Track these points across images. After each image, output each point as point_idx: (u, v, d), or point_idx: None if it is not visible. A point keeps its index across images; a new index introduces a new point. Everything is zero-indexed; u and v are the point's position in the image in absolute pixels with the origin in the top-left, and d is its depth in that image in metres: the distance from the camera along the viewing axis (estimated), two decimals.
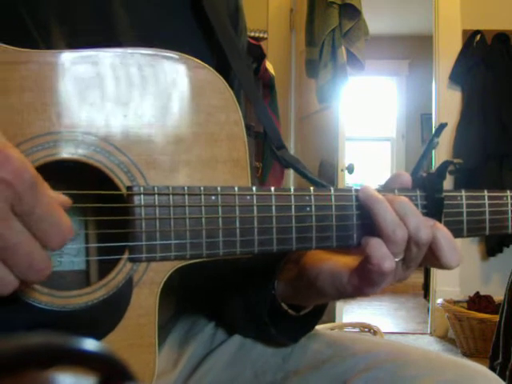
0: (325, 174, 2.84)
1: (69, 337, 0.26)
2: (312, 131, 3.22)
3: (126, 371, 0.28)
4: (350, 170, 2.79)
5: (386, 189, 0.56)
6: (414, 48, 5.57)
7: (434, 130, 3.35)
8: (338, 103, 2.80)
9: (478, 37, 3.24)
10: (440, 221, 0.55)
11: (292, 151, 3.33)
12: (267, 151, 3.01)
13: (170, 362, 0.68)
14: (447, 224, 0.57)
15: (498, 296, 2.71)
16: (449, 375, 0.57)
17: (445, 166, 0.55)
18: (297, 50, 3.41)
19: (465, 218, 0.59)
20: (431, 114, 3.44)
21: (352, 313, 3.91)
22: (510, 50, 3.22)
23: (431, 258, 0.53)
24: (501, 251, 3.25)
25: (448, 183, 2.92)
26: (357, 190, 0.54)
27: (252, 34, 2.77)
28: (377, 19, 4.33)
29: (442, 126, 0.57)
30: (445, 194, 0.56)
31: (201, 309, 0.75)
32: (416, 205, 0.55)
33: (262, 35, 2.88)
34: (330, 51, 2.75)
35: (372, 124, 5.93)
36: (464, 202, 0.59)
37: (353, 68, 2.79)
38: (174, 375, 0.66)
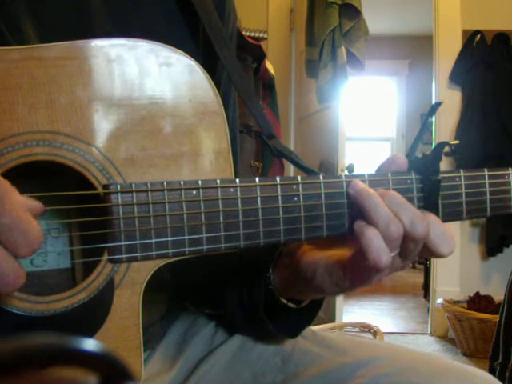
0: None
1: (68, 337, 0.26)
2: (312, 131, 3.22)
3: (126, 371, 0.28)
4: (350, 170, 2.79)
5: (379, 173, 0.53)
6: (414, 48, 5.57)
7: (434, 130, 3.35)
8: (338, 103, 2.80)
9: (478, 37, 3.24)
10: (437, 203, 0.53)
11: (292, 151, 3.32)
12: (267, 151, 3.01)
13: (166, 362, 0.67)
14: (445, 207, 0.55)
15: (498, 296, 2.71)
16: (449, 381, 0.57)
17: (440, 147, 0.52)
18: (297, 50, 3.41)
19: (464, 199, 0.56)
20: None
21: (352, 313, 3.91)
22: (510, 50, 3.22)
23: (423, 248, 0.51)
24: (501, 251, 3.25)
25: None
26: (347, 177, 0.51)
27: (252, 34, 2.77)
28: (377, 19, 4.33)
29: (436, 105, 0.54)
30: (442, 175, 0.53)
31: (194, 306, 0.74)
32: (412, 188, 0.53)
33: (261, 35, 2.88)
34: (330, 51, 2.75)
35: (372, 124, 5.93)
36: (463, 182, 0.55)
37: (353, 68, 2.79)
38: (170, 376, 0.65)
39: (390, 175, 0.53)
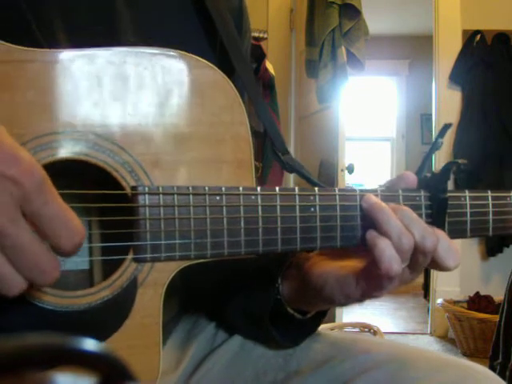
0: (325, 174, 2.84)
1: (69, 337, 0.26)
2: (312, 131, 3.22)
3: (127, 371, 0.28)
4: (350, 170, 2.79)
5: (390, 189, 0.56)
6: (414, 48, 5.56)
7: (434, 130, 3.35)
8: (338, 103, 2.80)
9: (478, 37, 3.24)
10: (444, 220, 0.55)
11: (292, 151, 3.33)
12: (267, 151, 3.01)
13: (172, 362, 0.68)
14: (451, 224, 0.57)
15: (498, 296, 2.71)
16: (449, 376, 0.57)
17: (449, 166, 0.55)
18: (297, 50, 3.41)
19: (468, 218, 0.59)
20: (431, 114, 3.44)
21: (352, 313, 3.91)
22: (510, 50, 3.22)
23: (431, 261, 0.53)
24: (501, 251, 3.25)
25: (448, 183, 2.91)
26: (361, 191, 0.54)
27: (252, 34, 2.77)
28: (377, 19, 4.33)
29: (446, 127, 0.57)
30: (449, 194, 0.56)
31: (203, 309, 0.75)
32: (420, 205, 0.55)
33: (262, 35, 2.88)
34: (330, 51, 2.75)
35: (372, 124, 5.93)
36: (468, 202, 0.59)
37: (353, 68, 2.79)
38: (175, 375, 0.66)
39: (400, 191, 0.55)
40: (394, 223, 0.50)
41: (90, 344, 0.26)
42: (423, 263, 0.52)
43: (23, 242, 0.37)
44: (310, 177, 0.61)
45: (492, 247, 3.23)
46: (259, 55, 2.56)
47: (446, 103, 3.30)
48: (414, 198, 0.55)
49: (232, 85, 0.53)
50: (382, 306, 4.28)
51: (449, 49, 3.28)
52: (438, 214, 0.55)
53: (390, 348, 0.64)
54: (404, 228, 0.50)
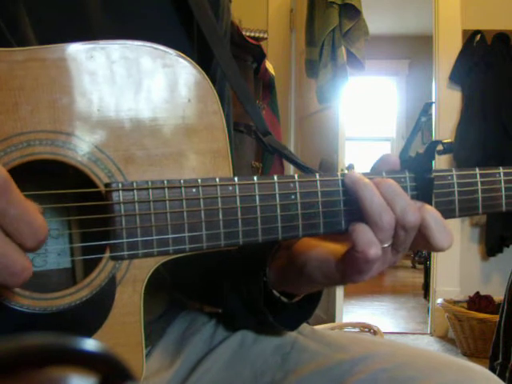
0: None
1: (69, 337, 0.26)
2: (312, 131, 3.22)
3: (126, 371, 0.28)
4: (350, 170, 2.78)
5: (373, 172, 0.54)
6: (414, 48, 5.57)
7: (434, 130, 3.35)
8: (338, 103, 2.80)
9: (478, 37, 3.24)
10: (430, 201, 0.54)
11: (292, 151, 3.33)
12: (267, 151, 3.00)
13: (165, 361, 0.67)
14: (438, 205, 0.55)
15: (498, 296, 2.72)
16: (448, 376, 0.57)
17: (433, 145, 0.53)
18: (297, 50, 3.41)
19: (456, 197, 0.57)
20: (431, 114, 3.44)
21: (352, 313, 3.91)
22: (510, 50, 3.22)
23: (422, 241, 0.52)
24: (501, 251, 3.25)
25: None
26: (343, 175, 0.52)
27: (252, 34, 2.77)
28: (377, 19, 4.33)
29: (428, 105, 0.55)
30: (435, 173, 0.54)
31: (195, 301, 0.74)
32: (405, 186, 0.54)
33: (261, 35, 2.88)
34: (330, 51, 2.75)
35: (372, 124, 5.93)
36: (455, 181, 0.57)
37: (353, 68, 2.79)
38: (169, 374, 0.65)
39: (384, 174, 0.54)
40: (377, 200, 0.49)
41: (89, 344, 0.26)
42: (406, 241, 0.51)
43: None
44: (293, 157, 0.60)
45: (492, 247, 3.23)
46: (259, 55, 2.56)
47: (446, 103, 3.30)
48: (399, 180, 0.53)
49: (204, 73, 0.52)
50: (382, 306, 4.28)
51: (449, 49, 3.28)
52: (424, 194, 0.54)
53: (388, 348, 0.64)
54: (385, 204, 0.49)
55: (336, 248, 0.53)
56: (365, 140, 5.92)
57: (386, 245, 0.50)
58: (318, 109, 3.05)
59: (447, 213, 0.56)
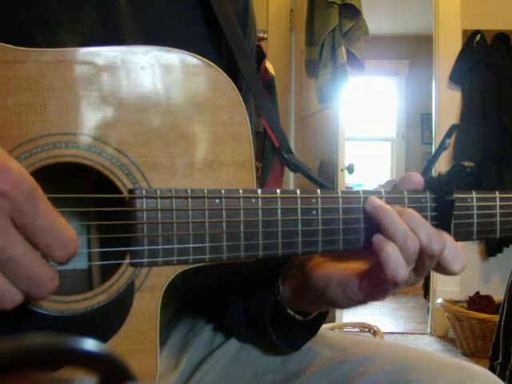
0: (325, 174, 2.84)
1: (69, 337, 0.26)
2: (312, 131, 3.22)
3: (127, 371, 0.28)
4: (350, 170, 2.79)
5: (396, 191, 0.54)
6: (414, 48, 5.56)
7: (434, 130, 3.35)
8: (338, 103, 2.80)
9: (478, 37, 3.24)
10: (450, 223, 0.54)
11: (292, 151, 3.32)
12: (267, 151, 3.01)
13: (170, 364, 0.67)
14: (457, 227, 0.55)
15: (498, 296, 2.71)
16: (449, 377, 0.57)
17: (456, 168, 0.54)
18: (297, 50, 3.41)
19: (475, 220, 0.57)
20: (431, 114, 3.44)
21: (352, 313, 3.90)
22: (510, 50, 3.22)
23: (436, 265, 0.52)
24: (501, 251, 3.25)
25: None
26: (365, 192, 0.52)
27: None
28: (377, 19, 4.33)
29: (453, 127, 0.56)
30: (455, 195, 0.54)
31: (200, 312, 0.74)
32: (426, 207, 0.54)
33: (261, 35, 2.88)
34: (330, 51, 2.75)
35: (372, 124, 5.92)
36: (475, 203, 0.57)
37: (353, 68, 2.79)
38: (174, 377, 0.66)
39: (405, 193, 0.54)
40: (400, 226, 0.49)
41: (90, 344, 0.26)
42: (429, 266, 0.51)
43: (15, 254, 0.37)
44: (315, 176, 0.60)
45: (492, 247, 3.23)
46: (259, 55, 2.56)
47: (446, 103, 3.30)
48: (420, 200, 0.54)
49: (232, 83, 0.51)
50: (382, 306, 4.28)
51: (449, 49, 3.28)
52: (443, 216, 0.54)
53: (389, 349, 0.63)
54: (410, 231, 0.49)
55: (357, 267, 0.52)
56: (365, 140, 5.92)
57: (409, 268, 0.50)
58: (317, 109, 3.05)
59: (465, 235, 0.56)
